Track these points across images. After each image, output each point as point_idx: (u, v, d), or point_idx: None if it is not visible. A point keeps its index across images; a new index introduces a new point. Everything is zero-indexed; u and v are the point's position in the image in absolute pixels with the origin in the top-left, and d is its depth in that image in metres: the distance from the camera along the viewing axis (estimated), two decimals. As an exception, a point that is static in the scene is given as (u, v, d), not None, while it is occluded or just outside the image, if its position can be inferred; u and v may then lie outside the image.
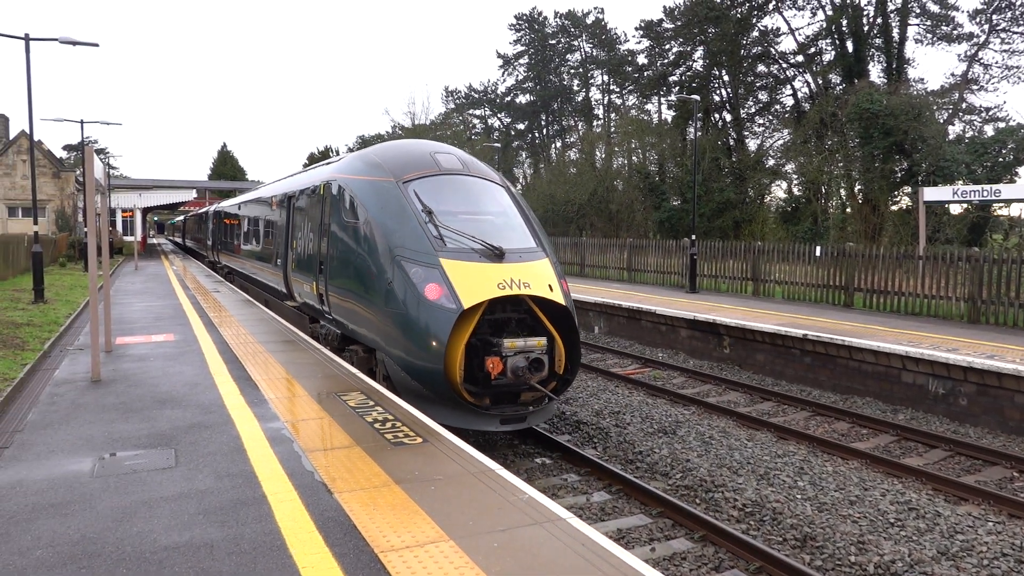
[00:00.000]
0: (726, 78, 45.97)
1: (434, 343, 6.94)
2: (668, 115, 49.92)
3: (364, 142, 64.01)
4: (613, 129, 51.52)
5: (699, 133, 41.20)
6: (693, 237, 20.50)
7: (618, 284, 23.12)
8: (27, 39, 17.26)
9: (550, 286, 7.32)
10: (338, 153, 64.26)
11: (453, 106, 65.64)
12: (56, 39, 17.87)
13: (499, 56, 65.26)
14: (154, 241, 79.89)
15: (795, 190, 38.92)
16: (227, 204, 22.93)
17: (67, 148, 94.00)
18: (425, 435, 6.09)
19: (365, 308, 8.11)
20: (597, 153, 47.52)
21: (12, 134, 41.45)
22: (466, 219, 7.73)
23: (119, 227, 45.04)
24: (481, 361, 7.11)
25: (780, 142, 42.80)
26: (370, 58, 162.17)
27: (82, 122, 30.76)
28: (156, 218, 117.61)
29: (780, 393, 11.63)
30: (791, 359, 12.90)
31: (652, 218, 41.32)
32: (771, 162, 42.15)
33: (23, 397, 7.63)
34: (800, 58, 42.67)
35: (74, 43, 18.04)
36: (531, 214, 8.38)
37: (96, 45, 18.42)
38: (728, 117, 46.96)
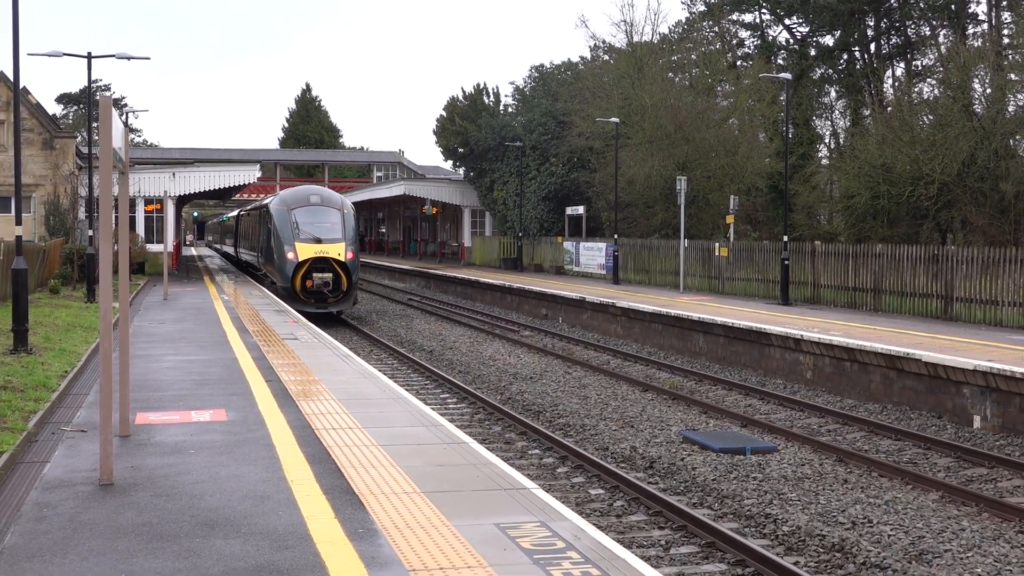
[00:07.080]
0: None
1: (288, 275, 37.92)
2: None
3: (542, 75, 66.04)
4: (1008, 40, 49.17)
5: None
6: None
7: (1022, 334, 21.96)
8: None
9: (339, 253, 38.41)
10: (496, 93, 69.92)
11: (702, 8, 65.49)
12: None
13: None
14: (192, 252, 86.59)
15: None
16: (247, 207, 62.38)
17: (63, 100, 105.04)
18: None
19: (272, 267, 41.19)
20: (976, 86, 45.41)
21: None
22: (315, 224, 39.63)
23: (140, 228, 48.89)
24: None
25: None
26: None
27: (90, 56, 33.63)
28: (196, 213, 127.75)
29: None
30: None
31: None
32: None
33: (-3, 507, 8.42)
34: None
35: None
36: (349, 223, 40.23)
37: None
38: None
